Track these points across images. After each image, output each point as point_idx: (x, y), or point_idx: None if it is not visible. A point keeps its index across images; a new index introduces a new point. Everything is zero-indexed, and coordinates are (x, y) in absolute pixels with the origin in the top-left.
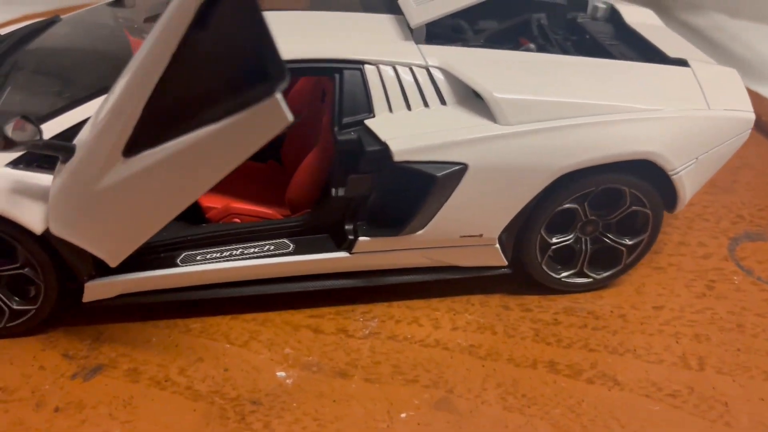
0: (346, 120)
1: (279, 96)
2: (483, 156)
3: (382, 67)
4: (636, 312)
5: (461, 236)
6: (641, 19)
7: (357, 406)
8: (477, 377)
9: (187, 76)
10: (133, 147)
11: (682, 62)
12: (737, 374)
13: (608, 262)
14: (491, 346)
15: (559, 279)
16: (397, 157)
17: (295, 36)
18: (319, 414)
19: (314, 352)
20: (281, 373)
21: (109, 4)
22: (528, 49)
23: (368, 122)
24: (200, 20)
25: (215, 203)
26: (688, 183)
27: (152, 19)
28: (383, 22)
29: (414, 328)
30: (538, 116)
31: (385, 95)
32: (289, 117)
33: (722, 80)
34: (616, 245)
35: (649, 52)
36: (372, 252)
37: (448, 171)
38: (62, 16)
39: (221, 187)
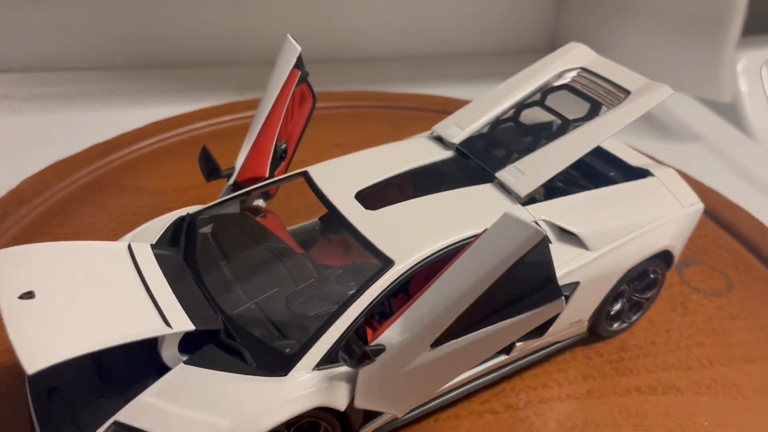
0: None
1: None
2: (586, 273)
3: None
4: (658, 338)
5: (570, 323)
6: None
7: None
8: (605, 412)
9: (494, 298)
10: (440, 341)
11: (646, 173)
12: (731, 364)
13: (635, 310)
14: (599, 387)
15: (611, 330)
16: None
17: (437, 226)
18: None
19: (503, 430)
20: None
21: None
22: None
23: None
24: (513, 267)
25: None
26: (679, 253)
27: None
28: (488, 193)
29: (548, 390)
30: (609, 239)
31: None
32: (565, 305)
33: (674, 182)
34: (641, 300)
35: (610, 159)
36: (519, 350)
37: (571, 291)
38: (190, 212)
39: None
